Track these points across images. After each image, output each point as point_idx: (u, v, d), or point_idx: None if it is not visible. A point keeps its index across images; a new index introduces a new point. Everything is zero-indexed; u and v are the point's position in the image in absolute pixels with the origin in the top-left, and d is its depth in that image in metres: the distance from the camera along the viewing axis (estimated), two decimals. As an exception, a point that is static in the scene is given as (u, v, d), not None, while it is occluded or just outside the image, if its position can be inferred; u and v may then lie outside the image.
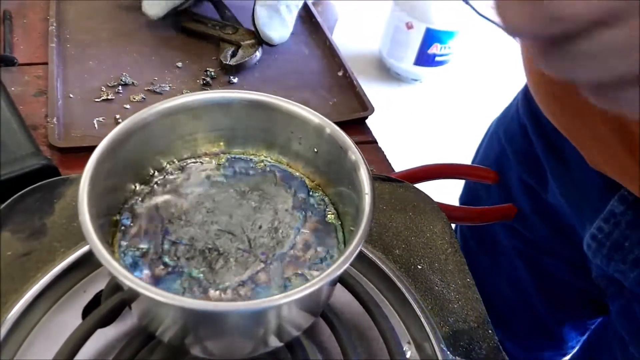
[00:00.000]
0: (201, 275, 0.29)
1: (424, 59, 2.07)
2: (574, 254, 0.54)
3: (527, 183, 0.58)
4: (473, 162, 0.69)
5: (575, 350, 0.67)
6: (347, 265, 0.26)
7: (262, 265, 0.30)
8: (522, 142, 0.58)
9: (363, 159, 0.30)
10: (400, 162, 0.58)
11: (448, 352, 0.36)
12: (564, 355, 0.69)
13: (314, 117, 0.32)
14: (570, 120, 0.47)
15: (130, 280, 0.24)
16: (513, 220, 0.61)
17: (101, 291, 0.36)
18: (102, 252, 0.24)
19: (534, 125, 0.54)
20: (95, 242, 0.25)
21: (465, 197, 0.72)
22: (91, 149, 0.29)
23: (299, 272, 0.30)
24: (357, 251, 0.26)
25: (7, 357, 0.33)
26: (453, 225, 0.56)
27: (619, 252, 0.46)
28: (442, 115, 2.10)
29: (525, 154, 0.57)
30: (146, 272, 0.29)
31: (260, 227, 0.32)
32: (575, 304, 0.62)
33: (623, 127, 0.40)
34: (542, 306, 0.64)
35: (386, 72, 2.24)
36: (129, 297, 0.28)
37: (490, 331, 0.38)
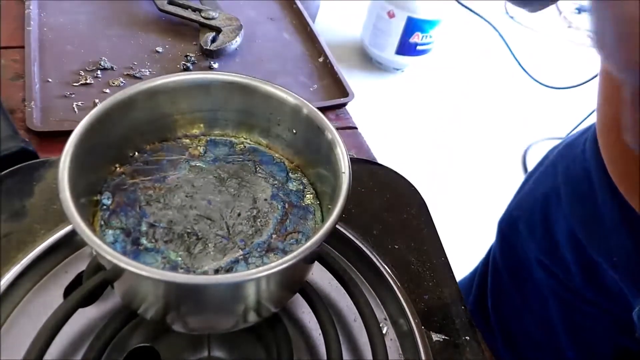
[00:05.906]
0: (179, 259, 0.29)
1: (406, 48, 2.08)
2: (617, 310, 0.49)
3: (575, 234, 0.50)
4: (522, 185, 0.63)
5: None
6: (322, 240, 0.26)
7: (240, 252, 0.30)
8: (582, 190, 0.49)
9: (339, 138, 0.30)
10: (380, 149, 0.59)
11: (422, 327, 0.38)
12: None
13: (291, 98, 0.33)
14: None
15: (113, 256, 0.24)
16: (553, 262, 0.54)
17: (83, 272, 0.36)
18: (83, 229, 0.25)
19: (603, 178, 0.46)
20: (76, 219, 0.25)
21: (504, 225, 0.64)
22: (70, 133, 0.28)
23: (276, 252, 0.31)
24: (333, 227, 0.27)
25: (-11, 337, 0.33)
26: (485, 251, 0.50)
27: None
28: (423, 104, 2.11)
29: (584, 204, 0.49)
30: (125, 250, 0.29)
31: (239, 214, 0.31)
32: (609, 354, 0.56)
33: None
34: (570, 350, 0.58)
35: (368, 61, 2.25)
36: (112, 275, 0.29)
37: (463, 307, 0.39)
